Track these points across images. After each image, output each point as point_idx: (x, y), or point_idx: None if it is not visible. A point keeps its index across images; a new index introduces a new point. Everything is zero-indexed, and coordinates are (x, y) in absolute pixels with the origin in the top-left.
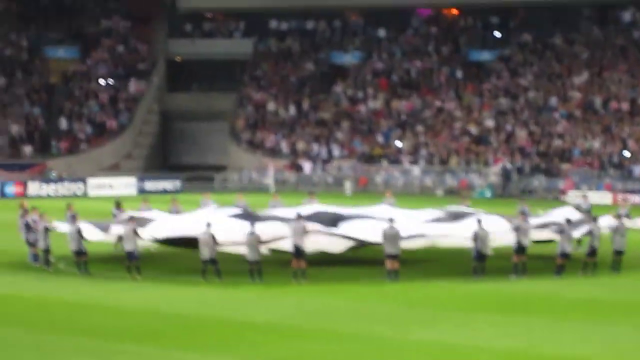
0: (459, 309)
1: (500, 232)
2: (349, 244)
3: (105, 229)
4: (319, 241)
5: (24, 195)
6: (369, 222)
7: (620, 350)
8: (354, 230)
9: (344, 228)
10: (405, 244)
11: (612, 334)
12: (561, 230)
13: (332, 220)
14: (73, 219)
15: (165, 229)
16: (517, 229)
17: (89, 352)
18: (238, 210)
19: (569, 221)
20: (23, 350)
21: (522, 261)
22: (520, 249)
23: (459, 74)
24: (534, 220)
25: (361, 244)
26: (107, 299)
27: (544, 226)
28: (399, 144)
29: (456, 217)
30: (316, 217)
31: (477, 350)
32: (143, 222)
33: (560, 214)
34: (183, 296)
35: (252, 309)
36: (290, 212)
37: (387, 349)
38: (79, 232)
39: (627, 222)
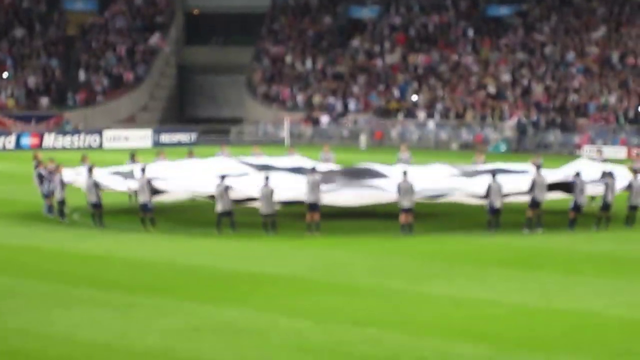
0: (472, 263)
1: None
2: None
3: (122, 177)
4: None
5: (39, 147)
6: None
7: (632, 304)
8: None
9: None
10: (420, 199)
11: (625, 289)
12: (573, 183)
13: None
14: (90, 171)
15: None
16: (532, 183)
17: (104, 304)
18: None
19: (578, 174)
20: (38, 300)
21: (536, 215)
22: (534, 203)
23: (477, 28)
24: (548, 175)
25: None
26: (122, 251)
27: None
28: (415, 98)
29: (470, 174)
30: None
31: (491, 303)
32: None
33: (576, 168)
34: (197, 248)
35: (266, 262)
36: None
37: (401, 302)
38: (95, 185)
39: None
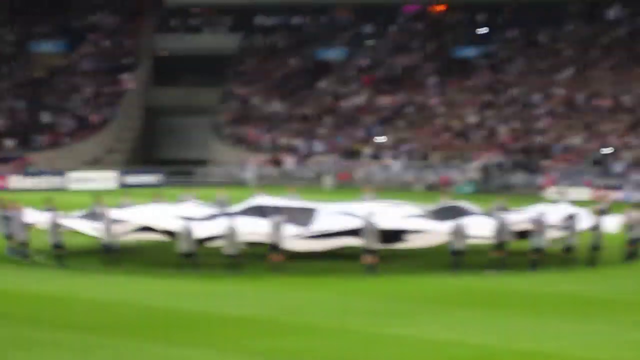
0: (436, 304)
1: (479, 227)
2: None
3: (85, 219)
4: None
5: (3, 188)
6: (345, 218)
7: (595, 346)
8: (330, 225)
9: (319, 224)
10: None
11: (584, 330)
12: (535, 223)
13: (307, 217)
14: (52, 212)
15: (144, 220)
16: (497, 225)
17: (67, 346)
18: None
19: (542, 215)
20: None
21: (500, 256)
22: (499, 244)
23: (443, 70)
24: (512, 216)
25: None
26: (84, 292)
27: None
28: (380, 139)
29: (437, 215)
30: (290, 215)
31: (454, 344)
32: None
33: (539, 210)
34: (161, 289)
35: (230, 303)
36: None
37: (366, 344)
38: (57, 226)
39: (605, 221)
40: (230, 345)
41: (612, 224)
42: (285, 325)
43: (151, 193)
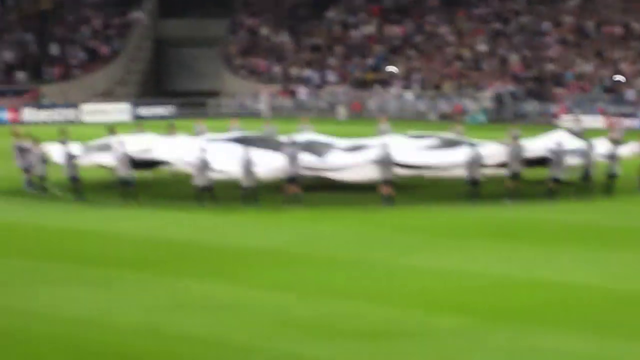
0: (453, 235)
1: (494, 157)
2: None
3: (100, 150)
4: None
5: (17, 121)
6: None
7: (614, 276)
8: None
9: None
10: (400, 172)
11: (606, 260)
12: (553, 154)
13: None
14: (64, 144)
15: (161, 154)
16: (511, 154)
17: (86, 280)
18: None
19: (560, 145)
20: (20, 278)
21: (515, 186)
22: (513, 174)
23: None
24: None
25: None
26: (103, 226)
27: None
28: (391, 69)
29: (450, 144)
30: (309, 147)
31: (474, 275)
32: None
33: (553, 138)
34: (179, 223)
35: (248, 236)
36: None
37: (384, 275)
38: (72, 158)
39: (620, 149)
40: (252, 278)
41: (626, 151)
42: (302, 257)
43: (165, 125)
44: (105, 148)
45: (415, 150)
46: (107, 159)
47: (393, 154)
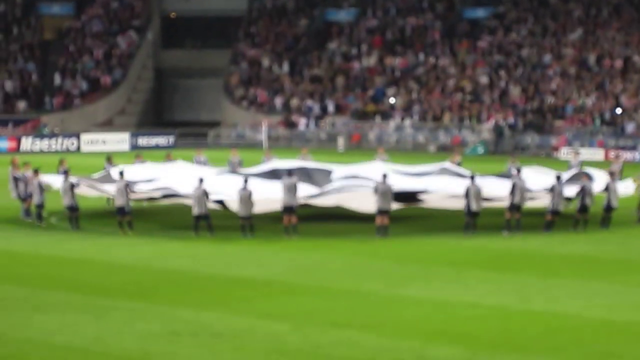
0: (449, 265)
1: (494, 189)
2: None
3: (98, 183)
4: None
5: (17, 150)
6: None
7: (609, 306)
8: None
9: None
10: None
11: (601, 291)
12: (551, 187)
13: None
14: (66, 174)
15: (158, 185)
16: (512, 186)
17: (81, 308)
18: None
19: (559, 177)
20: (15, 305)
21: (515, 218)
22: (514, 205)
23: (453, 31)
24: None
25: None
26: (99, 255)
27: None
28: (392, 100)
29: (448, 172)
30: (307, 176)
31: (469, 305)
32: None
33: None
34: (174, 252)
35: (244, 265)
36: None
37: (378, 304)
38: (71, 188)
39: (619, 185)
40: (244, 307)
41: (623, 188)
42: (298, 287)
43: (163, 155)
44: (106, 179)
45: (413, 177)
46: (105, 188)
47: (391, 182)
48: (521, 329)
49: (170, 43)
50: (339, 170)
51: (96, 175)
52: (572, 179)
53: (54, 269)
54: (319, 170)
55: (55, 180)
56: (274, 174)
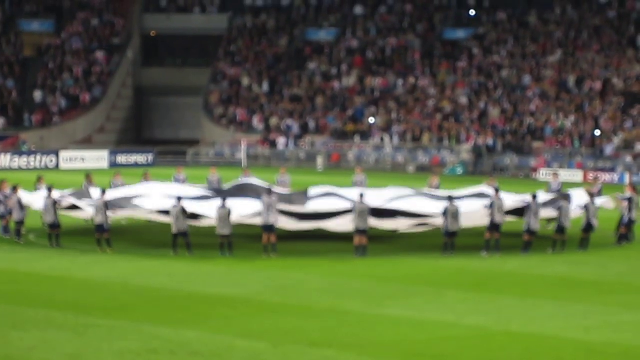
0: (429, 285)
1: (472, 210)
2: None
3: (78, 197)
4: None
5: None
6: (336, 200)
7: (587, 328)
8: (322, 207)
9: (312, 206)
10: (375, 223)
11: (580, 312)
12: (527, 207)
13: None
14: (49, 191)
15: (137, 202)
16: (491, 206)
17: (60, 325)
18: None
19: (534, 197)
20: None
21: (494, 238)
22: (493, 225)
23: (434, 52)
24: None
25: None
26: (78, 272)
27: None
28: (371, 120)
29: (426, 195)
30: (285, 197)
31: (448, 326)
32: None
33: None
34: (153, 269)
35: (222, 283)
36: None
37: (358, 324)
38: (54, 205)
39: (597, 201)
40: (225, 326)
41: (600, 202)
42: (277, 306)
43: (141, 173)
44: (83, 195)
45: (391, 198)
46: (83, 205)
47: (369, 201)
48: (500, 349)
49: (151, 61)
50: (313, 190)
51: (71, 191)
52: (551, 202)
53: (32, 286)
54: (298, 193)
55: (35, 200)
56: (252, 191)
